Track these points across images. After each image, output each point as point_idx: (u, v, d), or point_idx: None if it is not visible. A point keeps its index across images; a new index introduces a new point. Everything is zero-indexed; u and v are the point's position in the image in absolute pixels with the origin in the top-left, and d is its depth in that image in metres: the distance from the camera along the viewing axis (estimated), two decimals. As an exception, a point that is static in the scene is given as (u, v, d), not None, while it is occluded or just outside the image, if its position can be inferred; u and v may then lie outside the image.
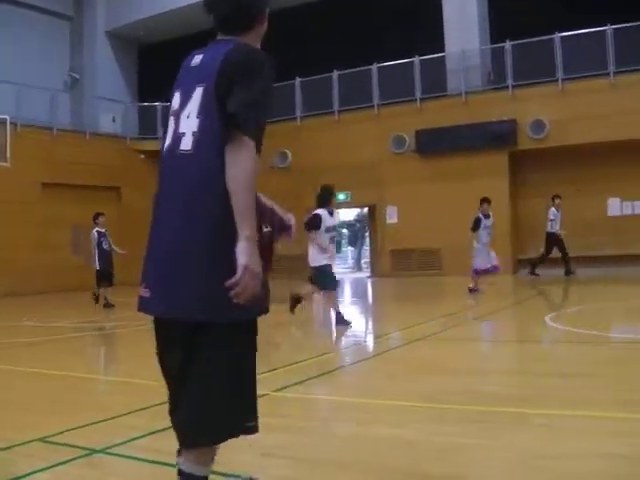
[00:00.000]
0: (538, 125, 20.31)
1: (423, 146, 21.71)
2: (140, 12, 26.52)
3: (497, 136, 20.58)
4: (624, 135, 19.19)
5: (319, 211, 9.86)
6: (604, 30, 19.87)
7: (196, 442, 2.58)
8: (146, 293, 2.62)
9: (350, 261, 40.72)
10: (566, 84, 20.24)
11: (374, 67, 22.98)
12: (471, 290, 14.70)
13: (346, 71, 23.47)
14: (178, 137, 2.62)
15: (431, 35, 22.25)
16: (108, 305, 14.58)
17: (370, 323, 11.70)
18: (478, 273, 14.82)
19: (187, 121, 2.60)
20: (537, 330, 8.96)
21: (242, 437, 2.56)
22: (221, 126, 2.49)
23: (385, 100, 22.82)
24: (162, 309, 2.58)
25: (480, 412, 4.48)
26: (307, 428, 4.36)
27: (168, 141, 2.68)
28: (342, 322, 9.73)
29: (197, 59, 2.70)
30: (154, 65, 27.54)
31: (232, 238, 2.42)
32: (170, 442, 2.72)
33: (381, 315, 12.63)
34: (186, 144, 2.58)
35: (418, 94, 22.04)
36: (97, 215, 15.15)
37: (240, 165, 2.44)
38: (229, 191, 2.44)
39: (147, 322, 2.78)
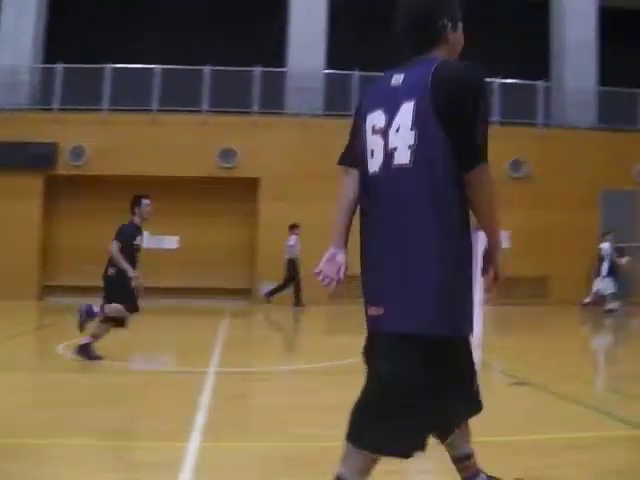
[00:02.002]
0: (78, 151, 20.07)
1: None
2: None
3: (35, 158, 19.88)
4: (164, 171, 19.69)
5: None
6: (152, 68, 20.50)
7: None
8: (377, 311, 2.68)
9: None
10: (110, 115, 20.37)
11: None
12: (610, 310, 15.21)
13: None
14: (390, 153, 2.68)
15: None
16: None
17: None
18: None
19: (397, 135, 2.66)
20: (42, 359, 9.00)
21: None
22: (443, 138, 2.57)
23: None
24: (400, 326, 2.61)
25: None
26: None
27: (379, 158, 2.72)
28: None
29: (397, 78, 2.77)
30: None
31: (462, 246, 2.68)
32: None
33: None
34: (402, 158, 2.64)
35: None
36: None
37: (485, 191, 2.65)
38: (479, 216, 2.70)
39: None
